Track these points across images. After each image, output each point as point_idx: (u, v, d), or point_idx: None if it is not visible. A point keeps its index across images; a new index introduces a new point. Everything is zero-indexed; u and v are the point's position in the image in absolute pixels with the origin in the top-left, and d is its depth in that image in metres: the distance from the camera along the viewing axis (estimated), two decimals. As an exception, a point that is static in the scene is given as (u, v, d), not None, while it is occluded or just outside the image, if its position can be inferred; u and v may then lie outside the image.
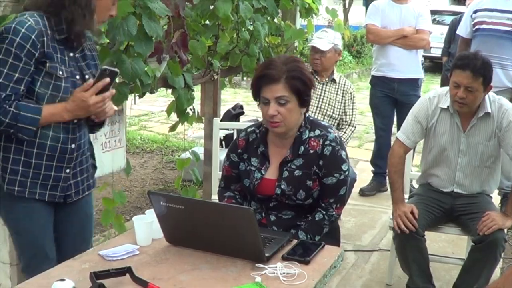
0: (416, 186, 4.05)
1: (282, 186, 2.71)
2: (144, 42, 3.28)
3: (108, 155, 3.60)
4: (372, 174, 5.95)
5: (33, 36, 2.33)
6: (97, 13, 2.51)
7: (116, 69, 2.50)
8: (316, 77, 4.69)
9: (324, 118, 4.59)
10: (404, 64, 5.48)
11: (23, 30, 2.32)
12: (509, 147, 3.41)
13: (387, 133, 5.75)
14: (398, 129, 3.77)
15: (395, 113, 5.70)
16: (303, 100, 2.65)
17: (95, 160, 2.82)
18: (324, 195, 2.73)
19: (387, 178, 4.43)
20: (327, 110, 4.64)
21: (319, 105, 4.63)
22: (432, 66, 14.31)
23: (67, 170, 2.57)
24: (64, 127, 2.50)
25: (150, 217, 2.40)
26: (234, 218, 2.16)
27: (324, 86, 4.70)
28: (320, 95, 4.66)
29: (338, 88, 4.70)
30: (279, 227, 2.74)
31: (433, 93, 3.63)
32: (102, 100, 2.46)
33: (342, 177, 2.70)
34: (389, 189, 3.69)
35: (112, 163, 3.65)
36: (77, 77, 2.51)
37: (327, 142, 2.69)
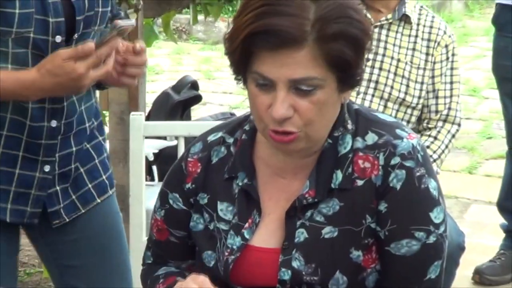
0: None
1: (295, 265, 1.78)
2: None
3: None
4: (502, 234, 4.37)
5: None
6: None
7: (132, 21, 2.27)
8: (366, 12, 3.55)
9: (385, 106, 3.30)
10: None
11: None
12: None
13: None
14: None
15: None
16: (349, 77, 1.71)
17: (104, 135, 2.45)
18: (391, 280, 1.79)
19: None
20: (391, 86, 3.29)
21: (371, 77, 3.35)
22: None
23: (46, 168, 2.16)
24: None
25: None
26: None
27: (385, 31, 3.36)
28: (376, 53, 3.37)
29: (416, 36, 3.33)
30: None
31: None
32: (106, 71, 2.07)
33: (431, 239, 1.84)
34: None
35: None
36: None
37: (394, 161, 1.79)
